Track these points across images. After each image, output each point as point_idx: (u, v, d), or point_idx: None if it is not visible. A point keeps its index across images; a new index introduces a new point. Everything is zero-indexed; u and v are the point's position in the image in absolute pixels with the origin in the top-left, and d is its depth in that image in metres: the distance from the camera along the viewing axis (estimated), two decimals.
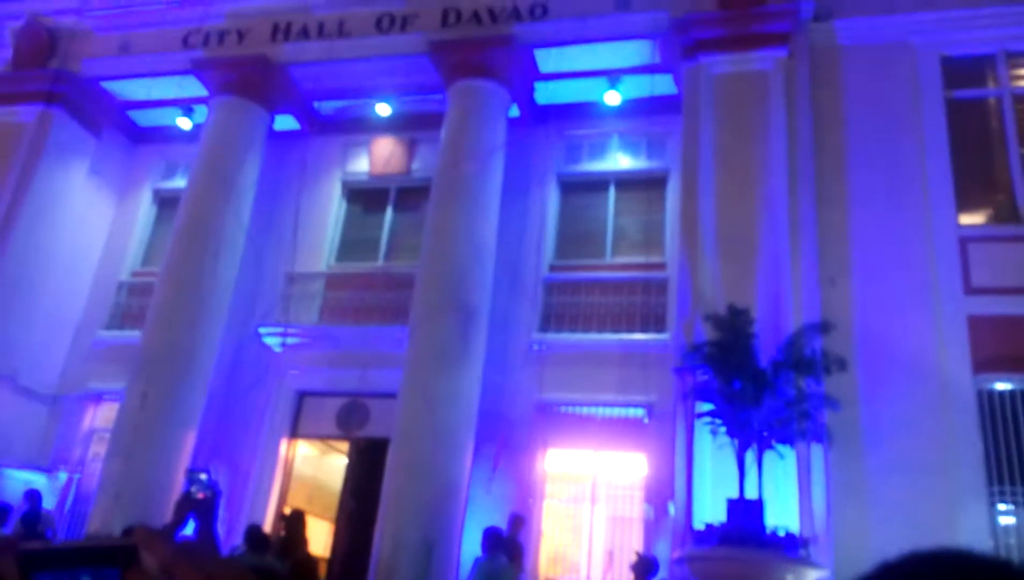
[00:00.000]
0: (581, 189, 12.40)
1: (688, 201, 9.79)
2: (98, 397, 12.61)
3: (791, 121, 9.75)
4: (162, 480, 10.24)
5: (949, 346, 8.79)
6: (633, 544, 9.82)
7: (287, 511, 10.04)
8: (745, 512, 7.12)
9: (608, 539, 10.40)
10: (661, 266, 11.25)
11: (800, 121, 9.85)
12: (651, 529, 9.72)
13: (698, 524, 7.70)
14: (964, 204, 9.64)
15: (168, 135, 13.99)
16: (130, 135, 14.41)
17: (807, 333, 7.84)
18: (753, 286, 8.81)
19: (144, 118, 14.24)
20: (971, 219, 9.73)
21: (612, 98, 11.89)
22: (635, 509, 10.24)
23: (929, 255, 9.28)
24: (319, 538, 11.87)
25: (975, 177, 9.90)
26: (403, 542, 8.95)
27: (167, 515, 10.03)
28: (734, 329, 7.59)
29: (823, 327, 7.86)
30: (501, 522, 9.40)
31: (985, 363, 8.72)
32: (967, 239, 9.41)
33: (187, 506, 4.60)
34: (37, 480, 11.80)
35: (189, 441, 10.68)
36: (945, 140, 9.86)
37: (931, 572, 0.67)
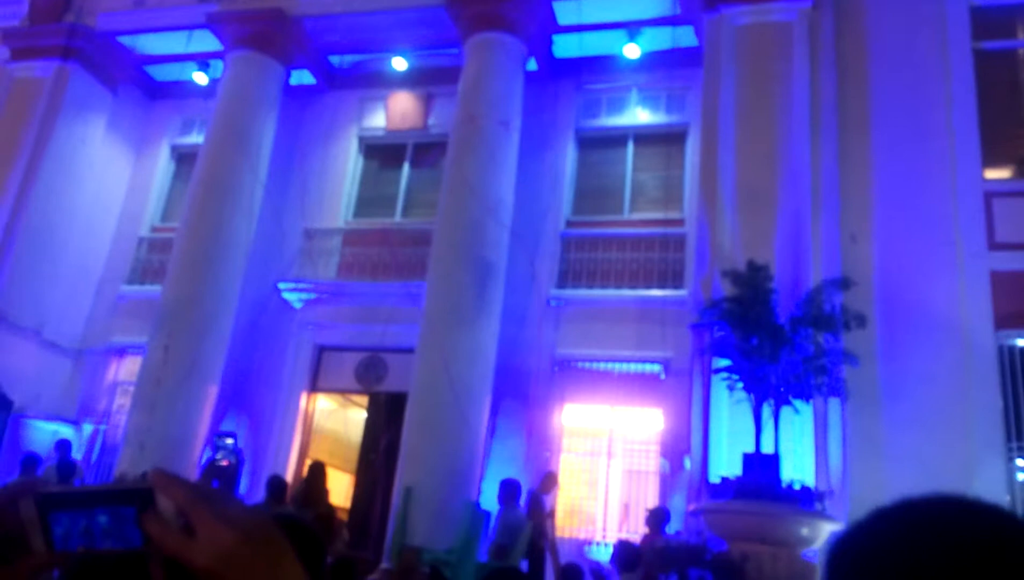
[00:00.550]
0: (599, 144, 12.28)
1: (708, 155, 9.67)
2: (121, 351, 12.80)
3: (814, 73, 9.56)
4: (185, 431, 10.44)
5: (971, 301, 8.71)
6: (649, 498, 9.93)
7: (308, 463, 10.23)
8: (761, 466, 7.16)
9: (624, 492, 10.52)
10: (679, 222, 11.17)
11: (823, 73, 9.65)
12: (667, 483, 9.82)
13: (714, 478, 7.77)
14: (990, 158, 9.46)
15: (184, 90, 13.95)
16: (146, 90, 14.38)
17: (826, 289, 7.80)
18: (772, 242, 8.73)
19: (160, 73, 14.19)
20: (996, 174, 9.56)
21: (631, 51, 11.70)
22: (651, 463, 10.33)
23: (953, 210, 9.14)
24: (339, 489, 12.11)
25: (1002, 131, 9.70)
26: (421, 495, 9.09)
27: (191, 465, 10.27)
28: (753, 285, 7.55)
29: (843, 283, 7.81)
30: (517, 476, 9.52)
31: (1007, 319, 8.64)
32: (992, 194, 9.25)
33: (212, 473, 4.70)
34: (64, 431, 12.07)
35: (211, 394, 10.85)
36: (972, 92, 9.64)
37: (921, 518, 0.67)
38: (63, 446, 10.46)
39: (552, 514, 8.95)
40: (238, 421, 11.69)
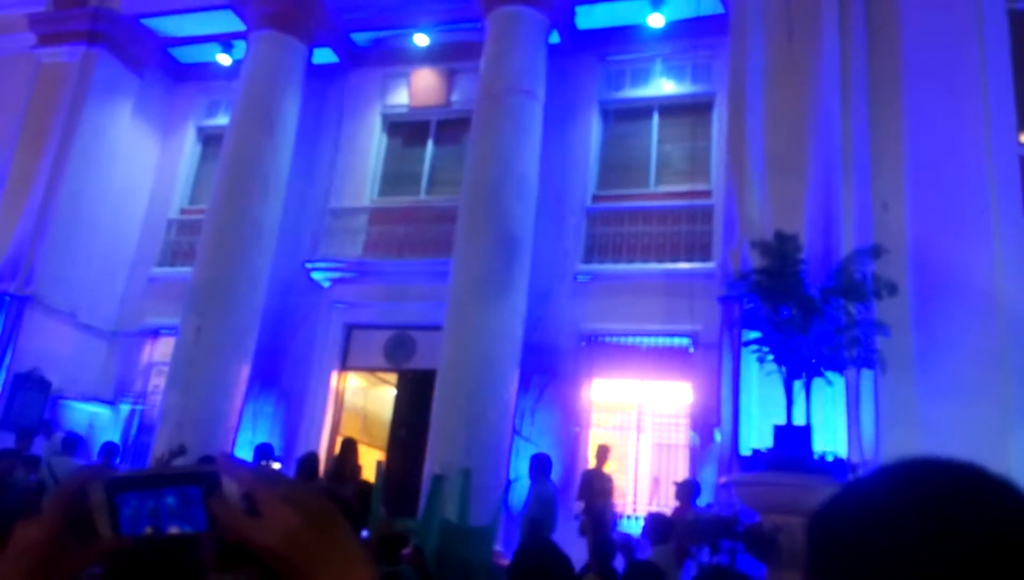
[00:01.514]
0: (624, 116, 12.15)
1: (735, 124, 9.53)
2: (155, 332, 13.00)
3: (843, 37, 9.35)
4: (219, 410, 10.63)
5: (1006, 269, 8.54)
6: (678, 471, 9.93)
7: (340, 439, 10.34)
8: (792, 438, 7.12)
9: (653, 466, 10.53)
10: (706, 194, 11.05)
11: (853, 37, 9.43)
12: (696, 456, 9.81)
13: (745, 450, 7.74)
14: None
15: (209, 72, 14.01)
16: (171, 73, 14.46)
17: (858, 258, 7.68)
18: (802, 211, 8.61)
19: (184, 55, 14.25)
20: None
21: (655, 20, 11.52)
22: (680, 437, 10.32)
23: (988, 175, 8.93)
24: (371, 466, 12.22)
25: None
26: (451, 470, 9.16)
27: (226, 443, 10.44)
28: (782, 256, 7.46)
29: (875, 252, 7.68)
30: (547, 451, 9.57)
31: None
32: None
33: None
34: (101, 412, 12.32)
35: (243, 373, 11.00)
36: (1007, 54, 9.38)
37: (923, 478, 0.66)
38: (110, 450, 10.62)
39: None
40: (270, 400, 11.85)
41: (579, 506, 8.86)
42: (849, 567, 0.63)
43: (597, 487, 8.72)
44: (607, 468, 9.35)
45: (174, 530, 0.73)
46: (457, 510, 8.45)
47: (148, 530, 0.73)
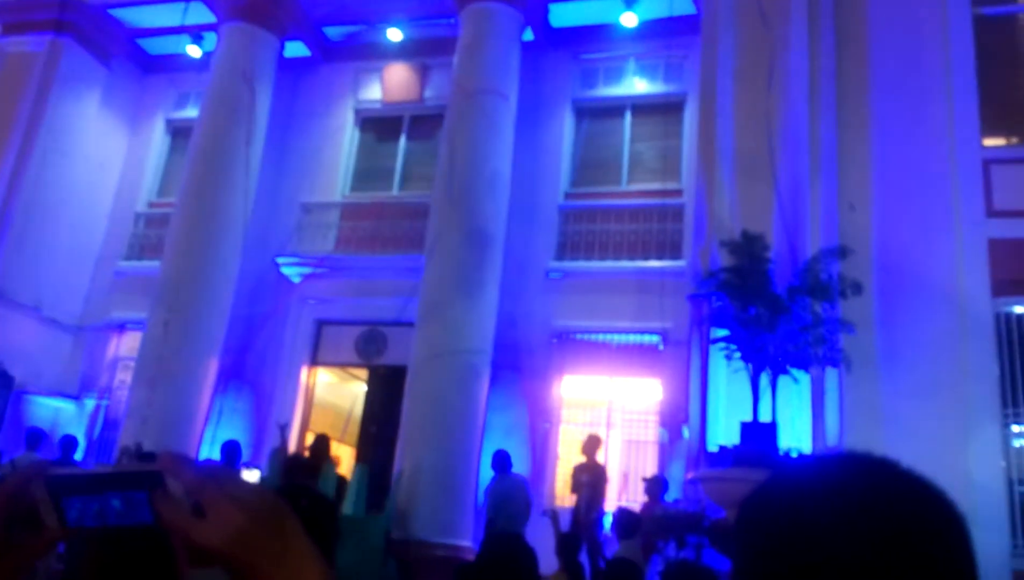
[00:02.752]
0: (597, 115, 12.21)
1: (706, 125, 9.62)
2: (121, 326, 12.83)
3: (812, 40, 9.48)
4: (187, 406, 10.51)
5: (968, 269, 8.72)
6: (648, 467, 10.01)
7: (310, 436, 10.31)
8: (759, 434, 7.21)
9: (623, 462, 10.60)
10: (677, 193, 11.15)
11: (822, 40, 9.57)
12: (665, 452, 9.90)
13: (712, 447, 7.83)
14: (988, 125, 9.41)
15: (178, 64, 13.83)
16: (140, 64, 14.26)
17: (824, 258, 7.80)
18: (770, 211, 8.72)
19: (153, 46, 14.06)
20: (995, 141, 9.52)
21: (628, 19, 11.59)
22: (650, 433, 10.41)
23: (951, 177, 9.11)
24: (342, 462, 12.18)
25: (1001, 98, 9.64)
26: (422, 466, 9.17)
27: (193, 439, 10.35)
28: (750, 255, 7.55)
29: (840, 252, 7.81)
30: (517, 447, 9.60)
31: (1004, 286, 8.66)
32: (990, 161, 9.22)
33: None
34: (66, 407, 12.13)
35: (212, 368, 10.90)
36: (971, 59, 9.56)
37: (843, 469, 0.68)
38: (68, 443, 10.42)
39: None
40: (240, 395, 11.76)
41: (551, 503, 8.89)
42: (767, 547, 0.66)
43: (585, 479, 8.68)
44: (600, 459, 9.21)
45: (121, 524, 0.72)
46: (353, 502, 8.64)
47: (96, 524, 0.73)
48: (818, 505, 0.65)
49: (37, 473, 0.73)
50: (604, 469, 9.04)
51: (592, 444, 9.06)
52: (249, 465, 10.34)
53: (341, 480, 9.12)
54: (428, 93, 12.85)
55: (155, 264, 11.77)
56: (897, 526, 0.63)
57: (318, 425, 11.98)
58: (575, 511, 8.40)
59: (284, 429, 9.80)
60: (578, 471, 8.89)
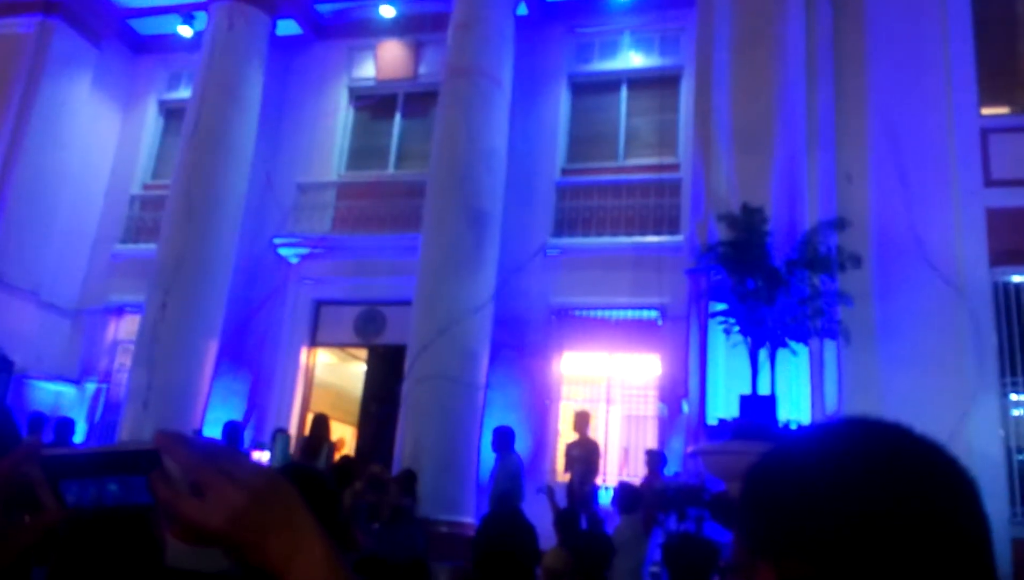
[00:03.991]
0: (592, 89, 12.12)
1: (702, 98, 9.55)
2: (120, 310, 12.82)
3: (809, 10, 9.39)
4: (187, 387, 10.53)
5: (966, 239, 8.72)
6: (648, 441, 10.06)
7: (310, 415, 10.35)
8: (757, 407, 7.24)
9: (623, 437, 10.65)
10: (675, 167, 11.10)
11: (819, 11, 9.48)
12: (665, 426, 9.94)
13: (711, 420, 7.86)
14: (986, 95, 9.36)
15: (170, 44, 13.70)
16: (131, 45, 14.12)
17: (822, 231, 7.79)
18: (768, 184, 8.69)
19: (144, 27, 13.91)
20: (993, 110, 9.47)
21: None
22: (649, 408, 10.44)
23: (949, 147, 9.08)
24: (345, 444, 12.23)
25: (998, 67, 9.58)
26: (423, 445, 9.21)
27: (194, 421, 10.38)
28: (748, 228, 7.54)
29: (838, 224, 7.80)
30: (517, 424, 9.63)
31: (1002, 256, 8.66)
32: (988, 130, 9.19)
33: None
34: (67, 391, 12.16)
35: (211, 350, 10.90)
36: (969, 28, 9.49)
37: (851, 436, 0.67)
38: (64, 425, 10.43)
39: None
40: (239, 376, 11.77)
41: (548, 480, 8.92)
42: (775, 515, 0.65)
43: (576, 454, 8.72)
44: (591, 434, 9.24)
45: (119, 504, 0.72)
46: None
47: (95, 505, 0.72)
48: (826, 469, 0.64)
49: (29, 455, 0.73)
50: (596, 444, 9.08)
51: (582, 420, 9.11)
52: (256, 446, 10.39)
53: (346, 460, 9.10)
54: (422, 70, 12.75)
55: (152, 246, 11.73)
56: (908, 484, 0.62)
57: (318, 405, 12.02)
58: (569, 486, 8.44)
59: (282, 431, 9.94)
60: (570, 447, 8.94)
